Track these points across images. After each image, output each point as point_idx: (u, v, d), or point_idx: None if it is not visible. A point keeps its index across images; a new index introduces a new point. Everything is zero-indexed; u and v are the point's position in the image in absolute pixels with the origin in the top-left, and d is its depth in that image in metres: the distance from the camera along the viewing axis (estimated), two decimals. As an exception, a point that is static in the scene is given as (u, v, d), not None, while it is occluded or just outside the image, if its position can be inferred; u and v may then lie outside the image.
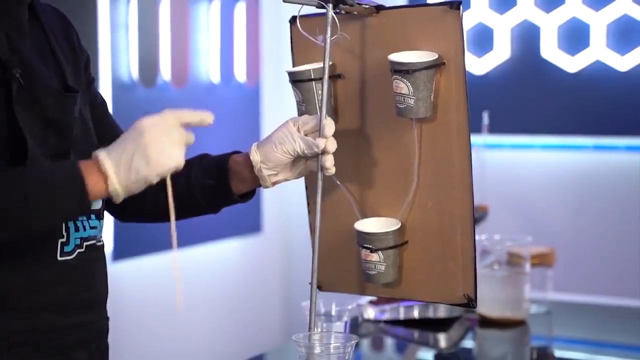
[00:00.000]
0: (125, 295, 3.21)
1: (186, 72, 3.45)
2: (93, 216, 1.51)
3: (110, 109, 3.03)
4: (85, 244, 1.49)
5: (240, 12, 3.73)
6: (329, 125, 1.48)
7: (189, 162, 1.56)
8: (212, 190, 1.59)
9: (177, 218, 1.49)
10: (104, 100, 1.69)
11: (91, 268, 1.51)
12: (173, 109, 1.38)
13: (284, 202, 4.08)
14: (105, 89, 3.09)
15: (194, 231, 3.41)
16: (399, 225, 1.54)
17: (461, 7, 1.47)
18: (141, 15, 3.24)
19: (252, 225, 3.89)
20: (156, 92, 3.32)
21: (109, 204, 1.61)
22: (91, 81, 1.63)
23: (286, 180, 1.56)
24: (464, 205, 1.50)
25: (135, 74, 3.22)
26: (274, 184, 1.55)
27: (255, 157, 1.53)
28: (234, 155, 1.60)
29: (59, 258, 1.45)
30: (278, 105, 4.01)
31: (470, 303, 1.52)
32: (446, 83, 1.49)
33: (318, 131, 1.49)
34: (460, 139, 1.49)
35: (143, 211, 1.66)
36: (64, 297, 1.46)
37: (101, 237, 1.55)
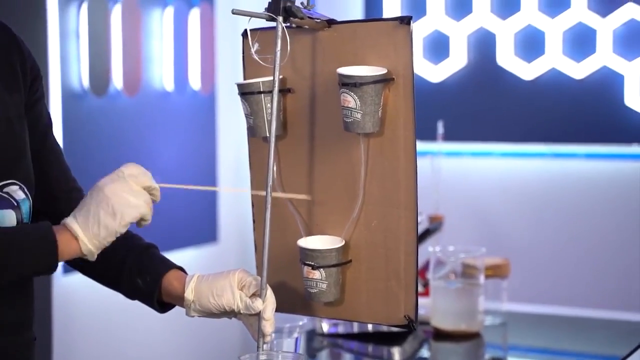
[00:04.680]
0: (77, 309, 3.16)
1: (139, 80, 3.40)
2: None
3: (60, 119, 3.02)
4: None
5: (194, 18, 3.69)
6: (270, 306, 1.46)
7: (133, 245, 1.59)
8: (137, 288, 1.58)
9: (95, 278, 1.63)
10: (50, 121, 1.64)
11: None
12: (131, 164, 1.42)
13: (239, 211, 4.04)
14: (55, 98, 3.04)
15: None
16: (342, 243, 1.52)
17: (411, 23, 1.45)
18: (92, 22, 3.18)
19: (207, 235, 3.86)
20: (108, 101, 3.27)
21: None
22: (37, 100, 1.59)
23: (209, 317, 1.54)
24: (408, 224, 1.48)
25: (86, 82, 3.17)
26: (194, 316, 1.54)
27: (190, 296, 1.51)
28: (171, 275, 1.56)
29: None
30: (234, 112, 3.97)
31: (410, 324, 1.49)
32: (394, 99, 1.47)
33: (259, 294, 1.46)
34: (407, 156, 1.47)
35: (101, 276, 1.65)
36: None
37: None
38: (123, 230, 1.39)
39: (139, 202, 1.38)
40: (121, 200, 1.37)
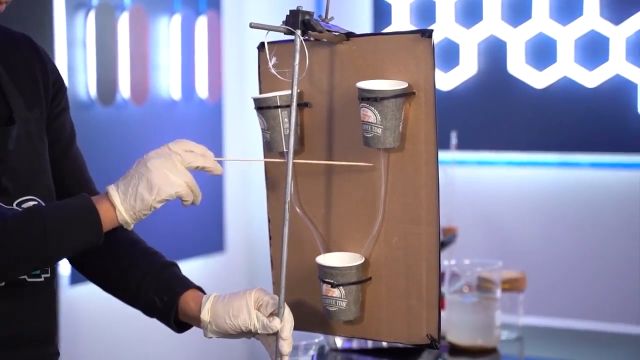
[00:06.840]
0: (84, 320, 3.12)
1: (146, 89, 3.37)
2: None
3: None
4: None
5: (201, 27, 3.65)
6: (287, 325, 1.42)
7: (154, 263, 1.57)
8: (154, 307, 1.55)
9: (114, 294, 1.60)
10: (74, 132, 1.63)
11: (12, 305, 1.45)
12: (180, 140, 1.43)
13: (247, 221, 4.01)
14: (62, 108, 3.00)
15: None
16: (362, 260, 1.48)
17: (433, 36, 1.41)
18: (99, 31, 3.15)
19: (215, 245, 3.82)
20: (115, 110, 3.24)
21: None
22: (60, 112, 1.58)
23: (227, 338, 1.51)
24: (430, 241, 1.44)
25: (93, 92, 3.14)
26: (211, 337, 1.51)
27: (206, 317, 1.48)
28: (188, 296, 1.53)
29: None
30: (241, 121, 3.94)
31: (433, 344, 1.45)
32: (415, 113, 1.44)
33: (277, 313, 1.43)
34: (428, 171, 1.43)
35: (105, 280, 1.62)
36: None
37: (39, 273, 1.49)
38: (158, 206, 1.39)
39: (179, 181, 1.38)
40: (160, 176, 1.37)
